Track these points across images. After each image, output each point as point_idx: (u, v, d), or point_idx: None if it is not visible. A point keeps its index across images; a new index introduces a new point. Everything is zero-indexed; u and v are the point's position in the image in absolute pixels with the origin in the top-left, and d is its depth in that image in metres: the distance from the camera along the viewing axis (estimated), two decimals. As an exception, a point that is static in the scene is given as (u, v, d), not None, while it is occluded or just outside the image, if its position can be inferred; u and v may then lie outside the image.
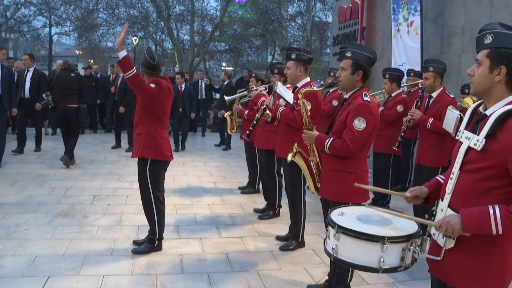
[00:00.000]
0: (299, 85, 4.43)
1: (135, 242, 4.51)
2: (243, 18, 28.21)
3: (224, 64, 34.21)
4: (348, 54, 3.20)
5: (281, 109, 4.44)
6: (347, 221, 2.15)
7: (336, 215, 2.25)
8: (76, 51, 33.08)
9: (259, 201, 6.26)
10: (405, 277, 4.00)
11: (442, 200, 2.09)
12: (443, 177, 2.24)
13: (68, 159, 7.79)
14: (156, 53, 31.81)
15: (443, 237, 2.01)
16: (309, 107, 4.26)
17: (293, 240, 4.63)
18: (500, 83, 1.91)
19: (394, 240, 1.99)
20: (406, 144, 6.23)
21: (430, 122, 4.70)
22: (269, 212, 5.65)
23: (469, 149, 1.96)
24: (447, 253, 2.01)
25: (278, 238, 4.87)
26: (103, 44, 29.70)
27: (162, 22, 25.59)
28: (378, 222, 2.14)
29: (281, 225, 5.31)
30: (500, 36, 1.89)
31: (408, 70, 6.79)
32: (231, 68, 32.76)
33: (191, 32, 26.12)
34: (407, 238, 2.02)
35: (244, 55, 29.34)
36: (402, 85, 6.38)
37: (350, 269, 3.44)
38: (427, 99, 4.97)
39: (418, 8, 7.52)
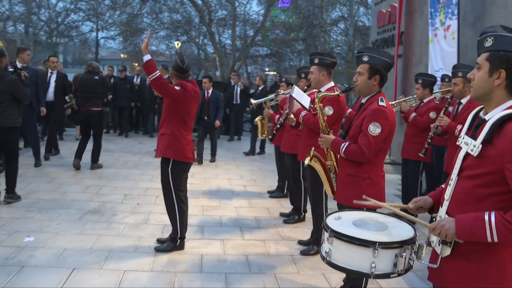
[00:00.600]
0: (322, 89, 4.45)
1: (158, 241, 4.63)
2: (285, 22, 28.28)
3: (267, 68, 34.38)
4: (365, 58, 3.20)
5: (303, 113, 4.46)
6: (342, 225, 2.15)
7: (332, 219, 2.26)
8: (121, 55, 34.10)
9: (287, 205, 6.27)
10: (421, 283, 3.93)
11: (441, 206, 2.06)
12: None
13: (92, 164, 7.82)
14: (198, 57, 32.59)
15: (439, 244, 1.98)
16: (331, 112, 4.29)
17: (314, 245, 4.62)
18: (500, 87, 1.87)
19: (386, 246, 1.98)
20: (438, 152, 6.08)
21: (458, 129, 4.59)
22: (295, 216, 5.66)
23: (467, 155, 1.93)
24: (444, 260, 1.98)
25: (300, 242, 4.87)
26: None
27: (204, 27, 26.02)
28: (373, 228, 2.14)
29: (305, 230, 5.31)
30: (500, 38, 1.85)
31: (443, 75, 6.63)
32: (273, 73, 32.83)
33: (233, 36, 26.44)
34: (400, 244, 2.00)
35: (286, 59, 29.36)
36: (435, 91, 6.25)
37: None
38: (457, 106, 4.86)
39: (456, 12, 7.34)
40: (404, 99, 5.97)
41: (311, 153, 3.60)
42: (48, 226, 4.91)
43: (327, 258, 2.12)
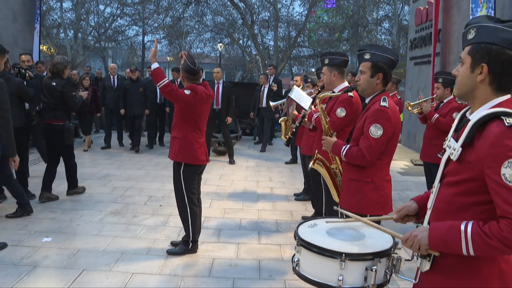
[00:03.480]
0: (336, 90, 4.29)
1: (172, 243, 4.62)
2: (328, 23, 27.95)
3: (313, 69, 34.14)
4: (367, 56, 3.02)
5: (315, 115, 4.32)
6: (313, 234, 2.01)
7: (306, 226, 2.13)
8: (168, 58, 34.78)
9: (311, 208, 6.11)
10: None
11: (426, 215, 1.89)
12: None
13: (69, 190, 6.32)
14: (243, 59, 32.75)
15: (417, 258, 1.80)
16: (343, 114, 4.15)
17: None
18: (483, 83, 1.67)
19: (354, 257, 1.82)
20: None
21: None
22: (316, 220, 5.50)
23: (448, 159, 1.76)
24: (424, 275, 1.80)
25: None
26: (193, 50, 31.03)
27: (246, 29, 26.14)
28: (347, 237, 1.99)
29: (326, 234, 5.14)
30: (482, 29, 1.65)
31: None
32: (315, 77, 32.41)
33: (275, 37, 26.38)
34: (372, 257, 1.84)
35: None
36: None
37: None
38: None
39: (493, 6, 6.94)
40: (424, 99, 5.67)
41: (315, 156, 3.46)
42: (68, 227, 5.01)
43: (296, 268, 2.00)
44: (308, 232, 2.04)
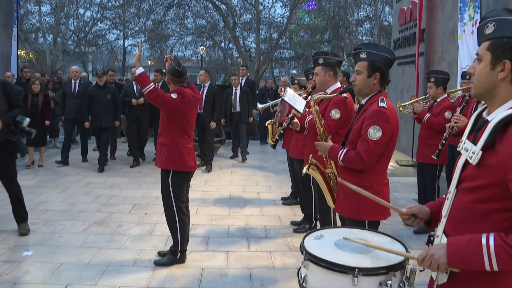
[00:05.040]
0: (328, 91, 4.19)
1: (159, 253, 4.47)
2: (310, 24, 28.00)
3: (294, 71, 34.16)
4: (363, 55, 2.92)
5: (309, 117, 4.22)
6: (321, 247, 1.90)
7: (312, 238, 2.01)
8: (149, 61, 34.48)
9: (299, 213, 5.99)
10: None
11: (439, 223, 1.77)
12: None
13: (19, 224, 4.98)
14: (225, 62, 32.63)
15: None
16: (338, 116, 4.05)
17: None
18: (504, 81, 1.56)
19: (367, 272, 1.72)
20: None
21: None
22: (305, 225, 5.41)
23: (466, 163, 1.63)
24: None
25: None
26: (174, 53, 30.79)
27: (228, 31, 26.04)
28: (357, 249, 1.87)
29: (316, 240, 5.04)
30: (502, 23, 1.53)
31: (463, 72, 6.25)
32: (302, 78, 32.48)
33: (257, 40, 26.34)
34: (386, 270, 1.73)
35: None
36: (457, 89, 5.89)
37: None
38: (475, 105, 4.51)
39: (478, 5, 6.95)
40: (416, 99, 5.62)
41: (309, 161, 3.36)
42: (50, 239, 4.82)
43: (303, 284, 1.88)
44: (315, 245, 1.92)
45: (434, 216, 1.94)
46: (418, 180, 5.68)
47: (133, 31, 28.11)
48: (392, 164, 9.54)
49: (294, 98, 4.09)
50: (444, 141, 4.76)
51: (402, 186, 7.73)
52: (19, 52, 24.65)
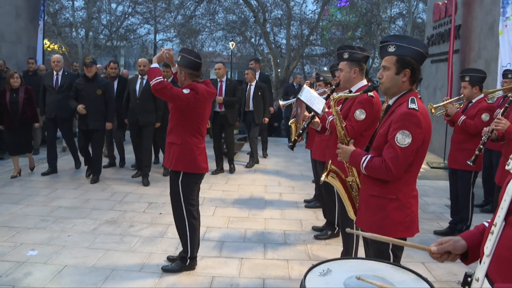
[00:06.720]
0: (353, 89, 3.83)
1: (169, 258, 4.20)
2: (342, 21, 27.46)
3: (325, 68, 33.62)
4: (391, 49, 2.54)
5: (330, 118, 3.86)
6: (327, 286, 1.54)
7: (315, 275, 1.64)
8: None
9: (322, 217, 5.66)
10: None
11: (480, 262, 1.42)
12: None
13: None
14: (255, 58, 32.35)
15: None
16: (363, 116, 3.69)
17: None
18: None
19: None
20: (499, 158, 5.22)
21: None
22: (327, 232, 5.05)
23: None
24: None
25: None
26: (205, 49, 30.72)
27: (259, 27, 25.79)
28: (373, 288, 1.51)
29: (338, 248, 4.68)
30: None
31: (505, 71, 5.76)
32: (328, 75, 31.90)
33: (287, 36, 25.99)
34: None
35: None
36: (497, 88, 5.41)
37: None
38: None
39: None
40: (450, 100, 5.16)
41: (328, 167, 3.00)
42: (58, 238, 4.62)
43: None
44: (319, 285, 1.56)
45: (471, 250, 1.60)
46: (451, 186, 5.24)
47: (163, 26, 28.13)
48: (423, 166, 9.02)
49: (311, 97, 3.74)
50: (482, 146, 4.31)
51: (433, 190, 7.26)
52: (52, 46, 25.18)
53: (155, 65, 3.88)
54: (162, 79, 3.72)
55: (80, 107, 6.66)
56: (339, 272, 1.67)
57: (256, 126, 8.70)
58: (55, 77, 7.26)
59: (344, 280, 1.58)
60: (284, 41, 27.92)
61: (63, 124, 7.34)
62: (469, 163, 4.42)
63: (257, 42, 30.20)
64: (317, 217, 5.73)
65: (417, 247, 1.70)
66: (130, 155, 8.00)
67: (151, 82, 3.72)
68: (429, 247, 1.65)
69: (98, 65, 8.55)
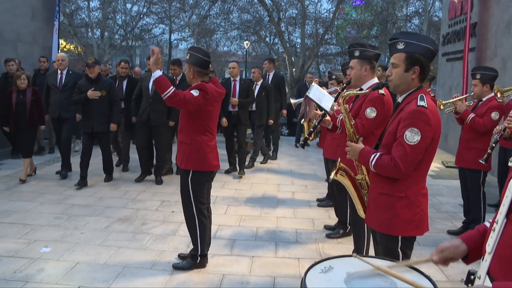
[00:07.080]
0: (364, 87, 3.80)
1: (180, 256, 4.21)
2: (357, 20, 27.30)
3: (340, 67, 33.47)
4: (400, 46, 2.52)
5: (340, 116, 3.83)
6: (326, 284, 1.52)
7: (317, 272, 1.62)
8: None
9: (335, 216, 5.63)
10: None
11: (482, 259, 1.40)
12: None
13: None
14: (270, 57, 32.34)
15: None
16: (374, 114, 3.66)
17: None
18: None
19: None
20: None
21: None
22: (339, 230, 5.02)
23: None
24: None
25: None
26: (220, 49, 30.85)
27: (273, 26, 25.79)
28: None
29: (350, 247, 4.63)
30: None
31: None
32: (340, 73, 31.68)
33: (302, 35, 25.93)
34: None
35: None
36: (507, 88, 5.33)
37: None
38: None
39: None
40: (459, 97, 5.08)
41: (337, 165, 2.98)
42: (71, 236, 4.67)
43: None
44: (320, 282, 1.54)
45: (472, 252, 1.59)
46: (461, 185, 5.16)
47: (178, 26, 28.29)
48: (437, 165, 8.93)
49: (320, 95, 3.72)
50: (494, 145, 4.23)
51: (448, 189, 7.17)
52: (68, 46, 25.50)
53: (158, 73, 3.68)
54: (174, 90, 3.66)
55: (91, 93, 6.39)
56: (340, 269, 1.65)
57: (259, 127, 8.42)
58: (59, 76, 7.22)
59: (345, 277, 1.57)
60: (299, 40, 27.90)
61: (64, 123, 7.20)
62: (481, 161, 4.35)
63: (271, 42, 30.23)
64: (330, 216, 5.70)
65: (420, 262, 1.71)
66: (134, 155, 7.95)
67: (163, 96, 3.66)
68: (430, 258, 1.65)
69: (109, 65, 8.52)
